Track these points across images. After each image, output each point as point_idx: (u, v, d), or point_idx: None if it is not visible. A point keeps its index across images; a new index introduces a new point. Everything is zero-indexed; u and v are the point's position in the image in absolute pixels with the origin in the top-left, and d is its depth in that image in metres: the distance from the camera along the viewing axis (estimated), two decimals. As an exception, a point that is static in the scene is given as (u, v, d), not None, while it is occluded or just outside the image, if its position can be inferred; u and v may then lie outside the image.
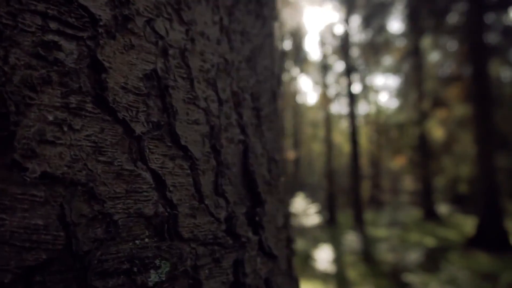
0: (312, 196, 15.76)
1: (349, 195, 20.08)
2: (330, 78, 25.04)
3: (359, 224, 12.87)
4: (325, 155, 19.67)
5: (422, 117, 18.49)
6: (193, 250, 0.50)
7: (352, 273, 8.71)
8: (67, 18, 0.40)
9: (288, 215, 0.95)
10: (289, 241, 0.92)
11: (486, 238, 10.72)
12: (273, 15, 0.98)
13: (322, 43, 20.86)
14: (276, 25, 1.04)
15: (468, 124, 16.42)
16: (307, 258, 9.17)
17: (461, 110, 18.34)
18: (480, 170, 11.42)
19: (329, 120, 20.11)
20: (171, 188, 0.49)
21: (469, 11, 12.37)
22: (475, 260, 9.19)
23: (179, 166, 0.51)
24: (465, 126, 17.56)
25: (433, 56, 21.62)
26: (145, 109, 0.47)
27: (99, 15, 0.42)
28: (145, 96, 0.47)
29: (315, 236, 11.50)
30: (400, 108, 24.80)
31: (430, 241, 11.69)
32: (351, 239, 10.62)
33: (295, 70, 26.77)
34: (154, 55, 0.49)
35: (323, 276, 7.85)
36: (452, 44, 18.94)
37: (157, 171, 0.47)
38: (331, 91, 25.12)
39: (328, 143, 19.13)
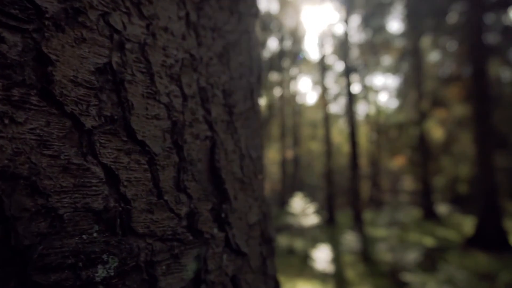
0: (311, 196, 15.74)
1: (348, 195, 20.05)
2: (330, 78, 25.06)
3: (358, 224, 12.84)
4: (325, 155, 19.64)
5: (422, 117, 18.45)
6: (149, 245, 0.50)
7: (351, 273, 8.70)
8: (10, 9, 0.39)
9: (266, 213, 0.94)
10: (266, 239, 0.91)
11: (485, 238, 10.71)
12: (252, 12, 0.97)
13: (322, 43, 20.82)
14: (256, 21, 1.03)
15: (467, 124, 16.40)
16: (306, 258, 9.17)
17: (460, 110, 18.33)
18: (479, 170, 11.40)
19: (328, 120, 20.07)
20: (125, 183, 0.48)
21: (469, 11, 12.36)
22: (474, 260, 9.18)
23: (136, 161, 0.50)
24: (464, 126, 17.54)
25: (433, 56, 21.60)
26: (97, 103, 0.46)
27: (46, 7, 0.42)
28: (97, 90, 0.46)
29: (314, 236, 11.50)
30: (400, 108, 24.77)
31: (429, 241, 11.68)
32: (350, 239, 10.60)
33: (294, 70, 26.77)
34: (108, 49, 0.48)
35: (322, 276, 7.84)
36: (452, 44, 18.92)
37: (110, 165, 0.47)
38: (331, 91, 25.13)
39: (328, 143, 19.09)
